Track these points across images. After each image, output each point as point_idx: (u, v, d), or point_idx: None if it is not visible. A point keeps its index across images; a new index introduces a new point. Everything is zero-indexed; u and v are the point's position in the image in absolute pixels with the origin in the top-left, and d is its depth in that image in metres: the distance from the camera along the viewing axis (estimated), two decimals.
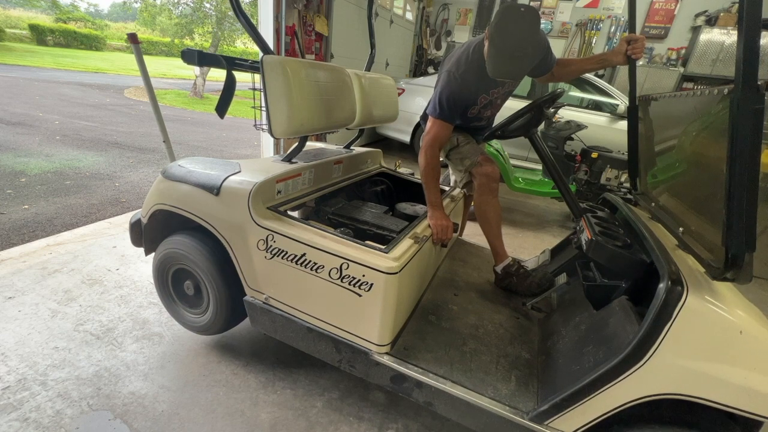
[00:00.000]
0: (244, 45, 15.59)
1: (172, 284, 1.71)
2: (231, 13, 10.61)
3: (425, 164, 1.65)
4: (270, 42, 3.60)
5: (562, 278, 1.69)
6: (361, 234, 1.67)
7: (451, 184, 2.24)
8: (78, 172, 3.99)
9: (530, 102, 1.64)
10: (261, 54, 1.47)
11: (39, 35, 20.15)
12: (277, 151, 3.93)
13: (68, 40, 21.26)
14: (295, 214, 1.78)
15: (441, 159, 1.94)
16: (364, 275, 1.22)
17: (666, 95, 1.45)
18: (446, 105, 1.61)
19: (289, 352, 1.75)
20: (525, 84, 5.04)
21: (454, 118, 1.67)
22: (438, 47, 8.36)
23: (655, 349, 0.94)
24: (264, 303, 1.46)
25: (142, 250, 1.76)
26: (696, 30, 6.57)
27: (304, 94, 1.49)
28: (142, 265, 2.28)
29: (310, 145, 2.10)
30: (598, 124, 4.54)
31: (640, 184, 1.75)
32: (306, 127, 1.52)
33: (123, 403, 1.43)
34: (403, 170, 2.40)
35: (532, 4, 7.41)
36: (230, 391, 1.53)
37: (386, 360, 1.28)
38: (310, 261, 1.30)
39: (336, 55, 4.67)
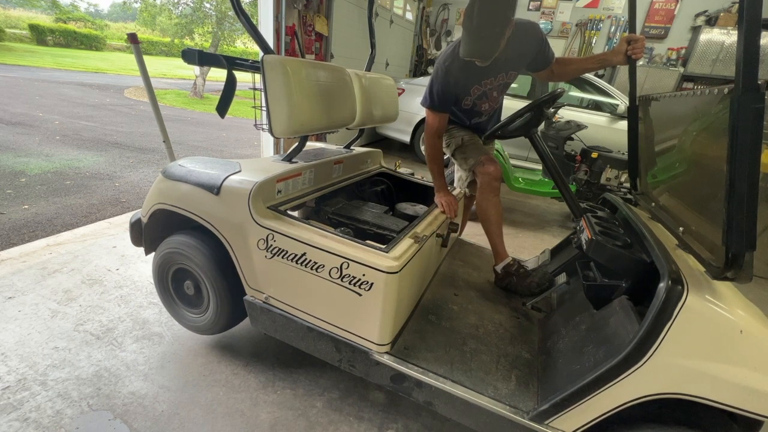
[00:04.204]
0: (244, 45, 15.57)
1: (172, 284, 1.71)
2: (231, 13, 10.62)
3: (425, 153, 1.87)
4: (270, 42, 3.60)
5: (562, 278, 1.70)
6: (361, 234, 1.67)
7: (454, 184, 2.24)
8: (78, 172, 3.99)
9: (530, 102, 1.64)
10: (261, 54, 1.47)
11: (39, 35, 20.14)
12: (277, 150, 3.93)
13: (68, 40, 21.26)
14: (296, 213, 1.78)
15: (446, 156, 1.99)
16: (364, 275, 1.22)
17: (666, 95, 1.45)
18: (435, 95, 1.71)
19: (289, 352, 1.75)
20: (525, 84, 5.04)
21: (445, 107, 1.76)
22: (438, 47, 8.36)
23: (656, 349, 0.94)
24: (264, 302, 1.46)
25: (142, 249, 1.76)
26: (696, 30, 6.58)
27: (305, 93, 1.49)
28: (142, 265, 2.28)
29: (310, 145, 2.10)
30: (598, 124, 4.54)
31: (640, 184, 1.75)
32: (306, 127, 1.52)
33: (123, 403, 1.43)
34: (403, 170, 2.40)
35: (532, 4, 7.42)
36: (230, 391, 1.53)
37: (386, 359, 1.28)
38: (310, 260, 1.30)
39: (336, 55, 4.67)
